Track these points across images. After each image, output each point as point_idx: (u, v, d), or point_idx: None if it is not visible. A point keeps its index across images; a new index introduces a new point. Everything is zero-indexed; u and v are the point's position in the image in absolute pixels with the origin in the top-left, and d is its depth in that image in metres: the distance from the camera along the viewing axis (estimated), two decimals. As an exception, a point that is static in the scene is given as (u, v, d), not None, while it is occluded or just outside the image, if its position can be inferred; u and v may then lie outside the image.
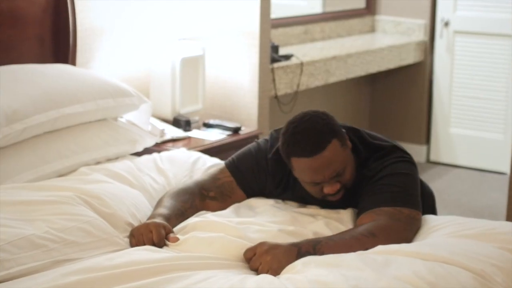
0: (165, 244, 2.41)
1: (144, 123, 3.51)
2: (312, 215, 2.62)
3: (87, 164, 3.06)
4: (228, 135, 3.99)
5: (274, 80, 4.49)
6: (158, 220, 2.50)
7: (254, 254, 2.30)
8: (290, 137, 2.51)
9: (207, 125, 4.07)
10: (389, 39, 5.78)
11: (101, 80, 3.34)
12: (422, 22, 5.89)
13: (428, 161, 6.05)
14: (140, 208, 2.66)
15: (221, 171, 2.79)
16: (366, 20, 6.04)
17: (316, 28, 5.57)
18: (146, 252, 2.27)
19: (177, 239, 2.40)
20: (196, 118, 4.12)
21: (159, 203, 2.67)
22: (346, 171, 2.55)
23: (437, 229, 2.51)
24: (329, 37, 5.69)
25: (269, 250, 2.29)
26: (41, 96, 3.04)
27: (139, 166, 3.00)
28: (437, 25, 5.86)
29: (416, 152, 5.97)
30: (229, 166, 2.80)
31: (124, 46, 4.05)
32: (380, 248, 2.31)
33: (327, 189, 2.54)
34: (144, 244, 2.39)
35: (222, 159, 3.28)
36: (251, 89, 4.28)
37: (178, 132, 3.88)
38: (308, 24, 5.51)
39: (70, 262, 2.25)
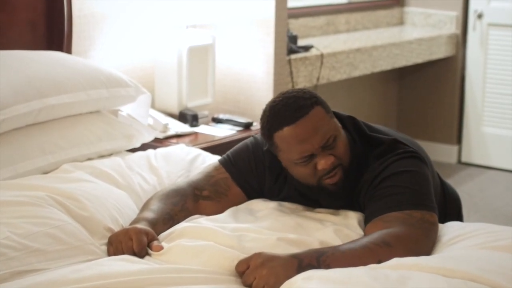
0: (147, 254, 2.10)
1: (143, 117, 3.21)
2: (320, 221, 2.28)
3: (75, 161, 2.75)
4: (239, 131, 3.68)
5: (291, 72, 4.19)
6: (141, 225, 2.19)
7: (248, 267, 1.98)
8: (269, 113, 2.27)
9: (216, 120, 3.77)
10: (418, 32, 5.49)
11: (94, 69, 3.03)
12: (454, 14, 5.62)
13: (460, 162, 5.82)
14: (124, 212, 2.35)
15: (215, 168, 2.50)
16: (395, 12, 5.77)
17: (340, 19, 5.28)
18: (121, 263, 1.96)
19: (161, 248, 2.09)
20: (205, 112, 3.82)
21: (145, 206, 2.37)
22: (338, 143, 2.25)
23: (463, 238, 2.16)
24: (355, 29, 5.40)
25: (265, 263, 1.96)
26: (24, 84, 2.74)
27: (129, 163, 2.69)
28: (470, 17, 5.61)
29: (447, 152, 5.79)
30: (223, 162, 2.50)
31: (127, 33, 3.76)
32: (394, 261, 1.97)
33: (321, 164, 2.22)
34: (123, 253, 2.08)
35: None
36: (266, 82, 3.99)
37: (183, 127, 3.58)
38: (332, 14, 5.23)
39: (32, 273, 1.94)
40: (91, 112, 3.00)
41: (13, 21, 3.19)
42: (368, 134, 2.36)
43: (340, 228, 2.23)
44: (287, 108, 2.22)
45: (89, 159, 2.83)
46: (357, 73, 4.72)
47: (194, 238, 2.09)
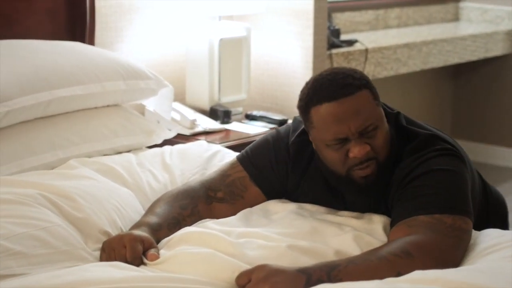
0: (142, 263, 1.89)
1: (165, 111, 3.01)
2: (339, 226, 2.04)
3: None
4: (272, 128, 3.45)
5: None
6: (141, 231, 1.98)
7: (249, 281, 1.76)
8: (312, 86, 2.05)
9: (250, 117, 3.56)
10: (473, 28, 5.19)
11: (111, 59, 2.84)
12: (513, 9, 5.33)
13: (519, 166, 5.55)
14: (125, 213, 2.15)
15: (232, 166, 2.27)
16: (449, 7, 5.49)
17: (390, 14, 5.03)
18: (109, 269, 1.76)
19: (156, 257, 1.89)
20: (239, 109, 3.61)
21: (150, 208, 2.16)
22: (378, 134, 2.02)
23: (499, 248, 1.90)
24: (406, 25, 5.13)
25: (268, 277, 1.74)
26: (32, 74, 2.56)
27: (141, 160, 2.49)
28: (530, 12, 5.33)
29: (506, 156, 5.50)
30: (241, 159, 2.27)
31: (157, 25, 3.57)
32: (415, 275, 1.72)
33: (354, 150, 1.99)
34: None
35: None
36: (305, 78, 3.71)
37: (212, 124, 3.37)
38: (381, 9, 4.96)
39: (9, 278, 1.74)
40: (108, 106, 2.81)
41: (31, 10, 3.02)
42: (404, 125, 2.13)
43: (360, 234, 1.99)
44: (333, 83, 2.01)
45: (105, 155, 2.64)
46: (405, 69, 4.45)
47: (194, 245, 1.88)
